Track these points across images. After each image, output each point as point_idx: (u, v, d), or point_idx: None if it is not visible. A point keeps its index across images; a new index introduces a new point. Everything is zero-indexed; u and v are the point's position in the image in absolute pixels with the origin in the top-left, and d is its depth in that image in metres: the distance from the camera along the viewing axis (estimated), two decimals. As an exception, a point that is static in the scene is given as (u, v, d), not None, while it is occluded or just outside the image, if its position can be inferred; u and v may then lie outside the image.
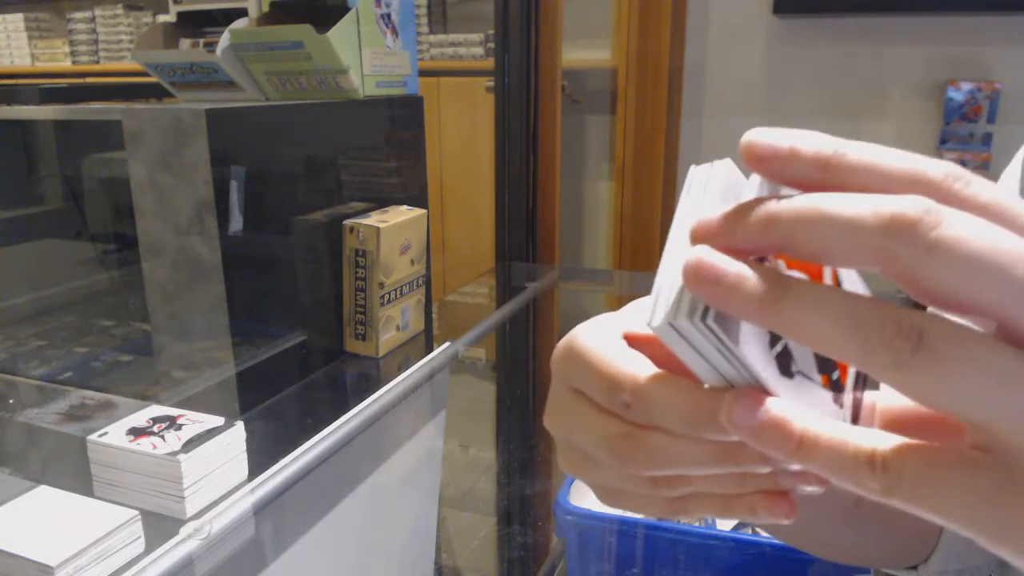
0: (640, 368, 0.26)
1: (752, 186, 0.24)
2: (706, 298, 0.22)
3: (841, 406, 0.26)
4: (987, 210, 0.20)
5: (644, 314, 0.24)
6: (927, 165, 0.21)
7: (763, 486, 0.25)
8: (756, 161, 0.23)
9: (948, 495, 0.20)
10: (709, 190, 0.25)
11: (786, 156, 0.22)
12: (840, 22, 2.15)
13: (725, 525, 1.13)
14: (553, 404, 0.30)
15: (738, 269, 0.21)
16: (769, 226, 0.21)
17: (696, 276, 0.21)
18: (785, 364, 0.24)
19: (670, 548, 0.99)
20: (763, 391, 0.23)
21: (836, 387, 0.26)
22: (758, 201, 0.22)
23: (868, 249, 0.20)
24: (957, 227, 0.19)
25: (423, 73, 1.20)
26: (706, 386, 0.24)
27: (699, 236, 0.23)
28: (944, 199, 0.20)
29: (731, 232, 0.22)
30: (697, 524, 1.12)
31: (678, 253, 0.24)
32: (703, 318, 0.22)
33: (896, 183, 0.21)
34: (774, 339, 0.24)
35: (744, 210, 0.22)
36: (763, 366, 0.23)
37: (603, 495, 0.31)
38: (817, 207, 0.21)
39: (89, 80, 3.40)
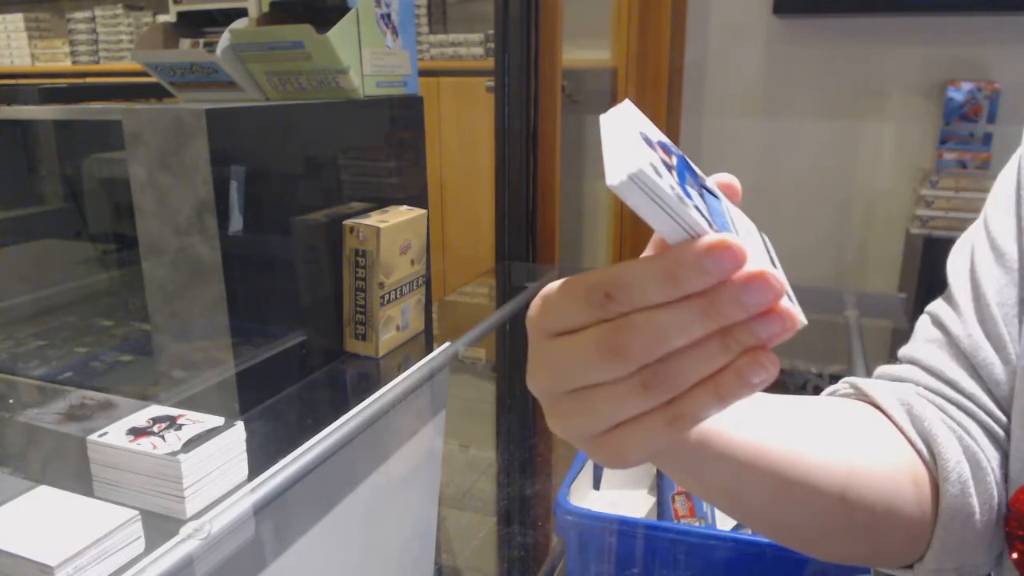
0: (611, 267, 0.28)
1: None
2: None
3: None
4: None
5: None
6: None
7: (742, 345, 0.26)
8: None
9: None
10: (626, 118, 0.29)
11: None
12: (840, 22, 2.15)
13: (725, 525, 1.13)
14: (533, 359, 0.31)
15: None
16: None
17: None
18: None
19: (670, 548, 0.99)
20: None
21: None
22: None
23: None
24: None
25: (423, 73, 1.20)
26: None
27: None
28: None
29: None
30: (697, 524, 1.12)
31: (619, 142, 0.27)
32: (658, 172, 0.24)
33: None
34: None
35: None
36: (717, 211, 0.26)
37: (598, 444, 0.30)
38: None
39: (89, 80, 3.40)
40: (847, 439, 0.46)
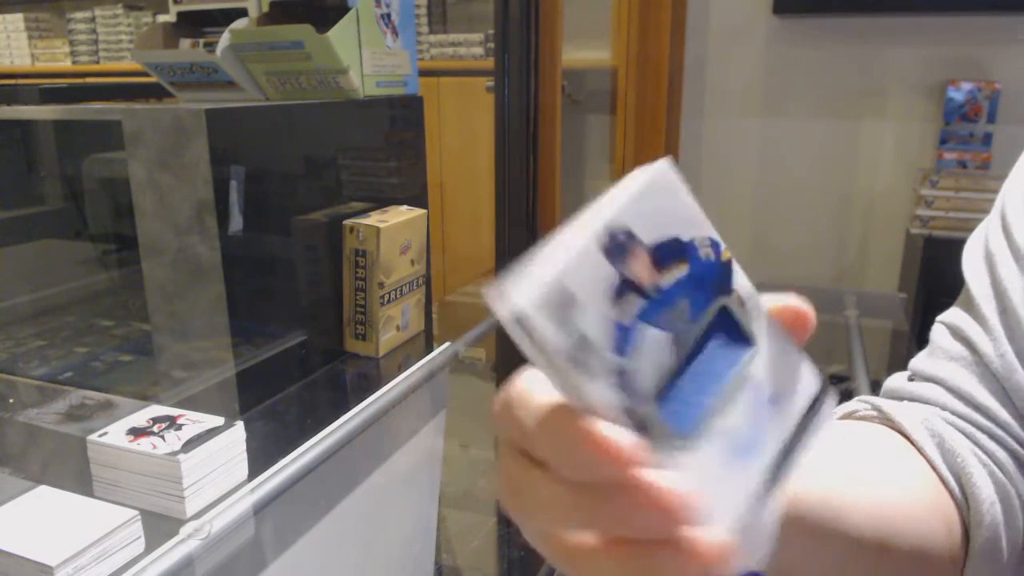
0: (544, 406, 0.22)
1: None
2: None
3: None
4: None
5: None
6: None
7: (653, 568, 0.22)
8: None
9: None
10: (644, 192, 0.21)
11: None
12: (840, 22, 2.15)
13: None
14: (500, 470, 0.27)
15: None
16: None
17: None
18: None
19: (670, 548, 0.98)
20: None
21: None
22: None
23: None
24: None
25: (423, 73, 1.20)
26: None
27: None
28: None
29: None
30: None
31: (559, 246, 0.20)
32: (558, 316, 0.18)
33: None
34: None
35: None
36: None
37: None
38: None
39: (89, 80, 3.40)
40: (881, 482, 0.43)
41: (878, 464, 0.44)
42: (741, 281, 0.23)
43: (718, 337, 0.22)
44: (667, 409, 0.21)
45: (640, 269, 0.20)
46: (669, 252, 0.21)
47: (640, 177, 0.21)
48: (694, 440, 0.21)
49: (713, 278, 0.22)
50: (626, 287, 0.20)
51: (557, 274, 0.19)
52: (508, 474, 0.24)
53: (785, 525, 0.36)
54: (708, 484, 0.21)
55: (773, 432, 0.23)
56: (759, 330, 0.23)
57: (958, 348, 0.47)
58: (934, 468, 0.44)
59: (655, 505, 0.20)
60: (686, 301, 0.22)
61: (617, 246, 0.20)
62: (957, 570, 0.43)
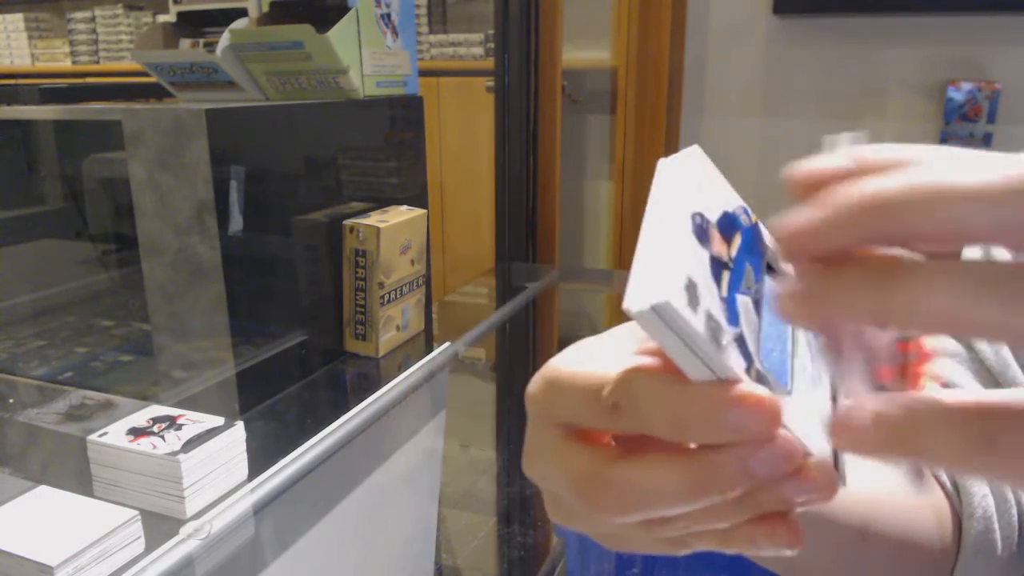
0: (631, 364, 0.24)
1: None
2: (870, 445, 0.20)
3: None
4: None
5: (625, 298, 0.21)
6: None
7: (763, 508, 0.23)
8: (814, 191, 0.20)
9: None
10: (685, 179, 0.24)
11: (856, 173, 0.20)
12: (840, 22, 2.15)
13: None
14: (530, 446, 0.27)
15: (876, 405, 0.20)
16: (879, 213, 0.18)
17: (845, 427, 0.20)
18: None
19: (670, 548, 0.99)
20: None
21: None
22: (847, 187, 0.19)
23: (1004, 224, 0.17)
24: None
25: (423, 73, 1.20)
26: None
27: (794, 243, 0.20)
28: None
29: (829, 232, 0.19)
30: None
31: (657, 239, 0.22)
32: (690, 301, 0.20)
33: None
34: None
35: (840, 201, 0.19)
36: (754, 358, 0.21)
37: (602, 540, 0.29)
38: (935, 183, 0.17)
39: (89, 80, 3.40)
40: (867, 469, 0.44)
41: None
42: (767, 236, 0.26)
43: (769, 289, 0.25)
44: (769, 363, 0.23)
45: (718, 245, 0.23)
46: (727, 225, 0.24)
47: (682, 164, 0.24)
48: (790, 386, 0.24)
49: (755, 239, 0.25)
50: (716, 264, 0.22)
51: (678, 265, 0.21)
52: (576, 461, 0.25)
53: None
54: (806, 423, 0.23)
55: (820, 361, 0.26)
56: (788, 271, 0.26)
57: (954, 345, 0.47)
58: None
59: (789, 452, 0.21)
60: (750, 265, 0.24)
61: (701, 229, 0.22)
62: (949, 562, 0.44)
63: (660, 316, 0.20)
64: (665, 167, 0.24)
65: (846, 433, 0.21)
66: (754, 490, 0.22)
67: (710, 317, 0.21)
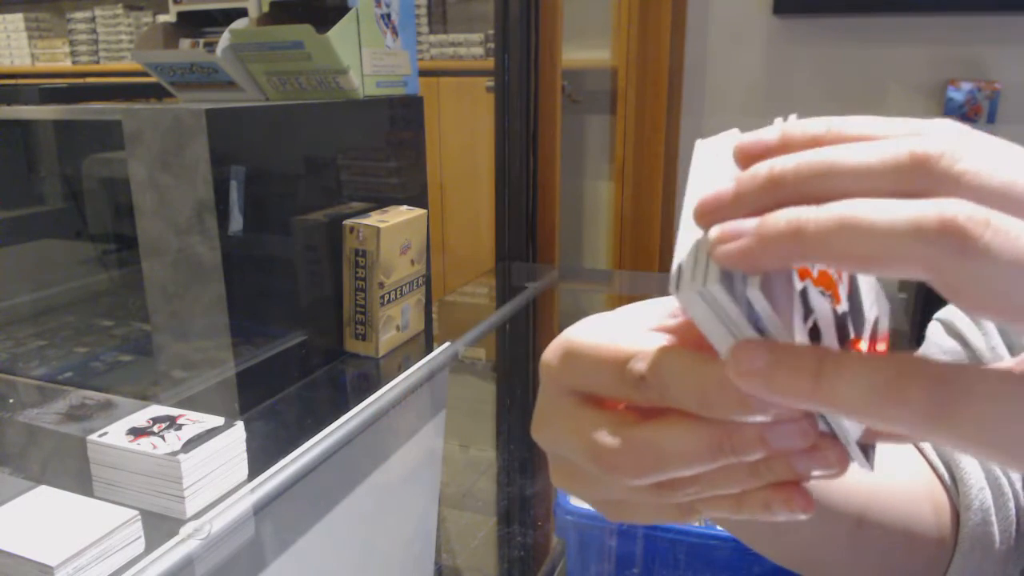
0: (656, 340, 0.25)
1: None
2: (737, 255, 0.21)
3: None
4: (992, 194, 0.19)
5: (670, 284, 0.22)
6: (925, 144, 0.20)
7: (777, 476, 0.24)
8: (751, 160, 0.23)
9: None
10: (722, 158, 0.25)
11: (778, 146, 0.22)
12: (840, 22, 2.15)
13: (725, 525, 1.13)
14: (542, 411, 0.28)
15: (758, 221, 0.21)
16: (798, 237, 0.20)
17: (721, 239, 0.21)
18: (815, 340, 0.23)
19: (670, 548, 0.99)
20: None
21: None
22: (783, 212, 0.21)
23: (914, 258, 0.18)
24: (1006, 231, 0.18)
25: (423, 73, 1.20)
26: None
27: (704, 209, 0.22)
28: (939, 181, 0.19)
29: (735, 202, 0.22)
30: (697, 524, 1.12)
31: (695, 226, 0.23)
32: (730, 283, 0.21)
33: (892, 163, 0.20)
34: (807, 313, 0.23)
35: (744, 177, 0.22)
36: (793, 335, 0.22)
37: (606, 510, 0.29)
38: (851, 214, 0.19)
39: (89, 80, 3.40)
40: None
41: None
42: None
43: None
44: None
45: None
46: None
47: (719, 144, 0.25)
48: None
49: None
50: None
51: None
52: (593, 425, 0.26)
53: None
54: None
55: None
56: None
57: (951, 343, 0.48)
58: (923, 453, 0.46)
59: (804, 430, 0.23)
60: None
61: None
62: (946, 555, 0.44)
63: (702, 297, 0.21)
64: (703, 147, 0.25)
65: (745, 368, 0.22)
66: (768, 459, 0.24)
67: (748, 303, 0.22)
